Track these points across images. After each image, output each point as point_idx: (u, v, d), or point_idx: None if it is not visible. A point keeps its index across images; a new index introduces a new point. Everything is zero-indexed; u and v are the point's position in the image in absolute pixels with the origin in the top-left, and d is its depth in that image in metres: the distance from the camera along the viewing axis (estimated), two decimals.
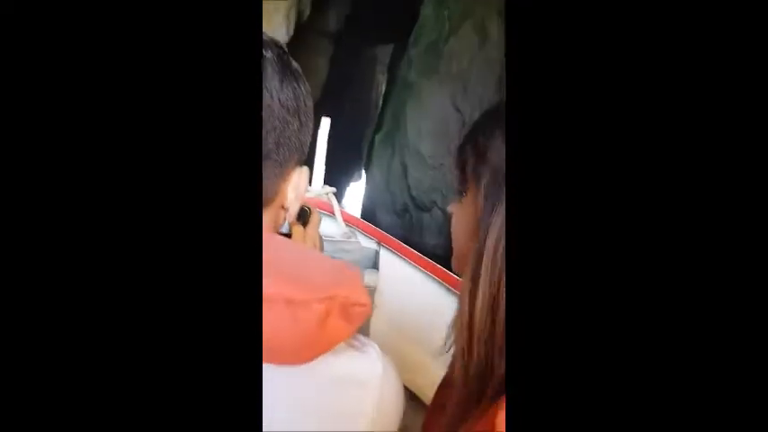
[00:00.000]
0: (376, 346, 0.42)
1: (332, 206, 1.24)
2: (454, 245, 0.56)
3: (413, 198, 3.90)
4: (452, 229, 0.56)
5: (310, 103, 0.43)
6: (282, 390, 0.36)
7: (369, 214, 3.95)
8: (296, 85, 0.41)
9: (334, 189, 1.25)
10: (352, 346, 0.40)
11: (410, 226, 3.93)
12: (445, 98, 3.41)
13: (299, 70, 0.42)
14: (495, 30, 3.32)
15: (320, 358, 0.36)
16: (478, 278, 0.46)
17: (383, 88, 6.11)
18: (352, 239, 1.24)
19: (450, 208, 0.56)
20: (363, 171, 5.10)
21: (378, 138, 4.27)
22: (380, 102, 5.87)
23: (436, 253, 1.85)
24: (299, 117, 0.41)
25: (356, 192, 4.87)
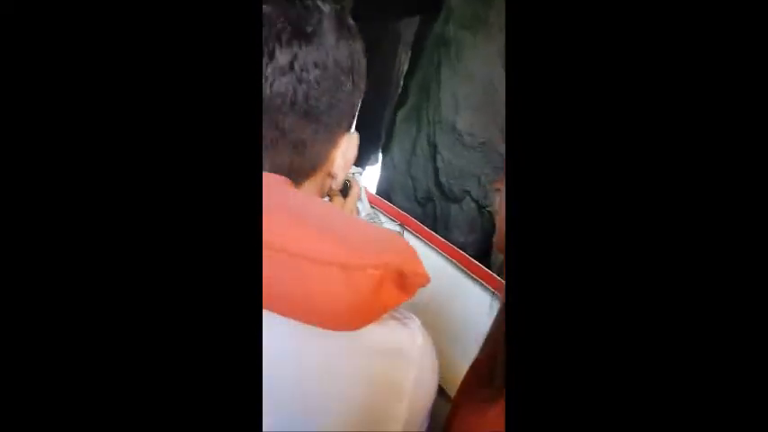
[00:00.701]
0: (417, 319, 0.42)
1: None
2: (498, 222, 0.55)
3: (440, 185, 3.24)
4: (498, 206, 0.55)
5: (364, 63, 0.42)
6: (321, 356, 0.35)
7: None
8: (351, 42, 0.40)
9: (361, 169, 1.13)
10: (395, 318, 0.40)
11: (433, 218, 3.29)
12: (494, 57, 2.69)
13: (356, 28, 0.41)
14: None
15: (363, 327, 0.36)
16: None
17: (405, 67, 5.44)
18: (376, 221, 1.19)
19: (497, 184, 0.55)
20: (380, 152, 4.53)
21: (400, 114, 3.59)
22: (402, 81, 5.24)
23: (465, 252, 1.59)
24: (352, 78, 0.41)
25: (372, 175, 4.31)
